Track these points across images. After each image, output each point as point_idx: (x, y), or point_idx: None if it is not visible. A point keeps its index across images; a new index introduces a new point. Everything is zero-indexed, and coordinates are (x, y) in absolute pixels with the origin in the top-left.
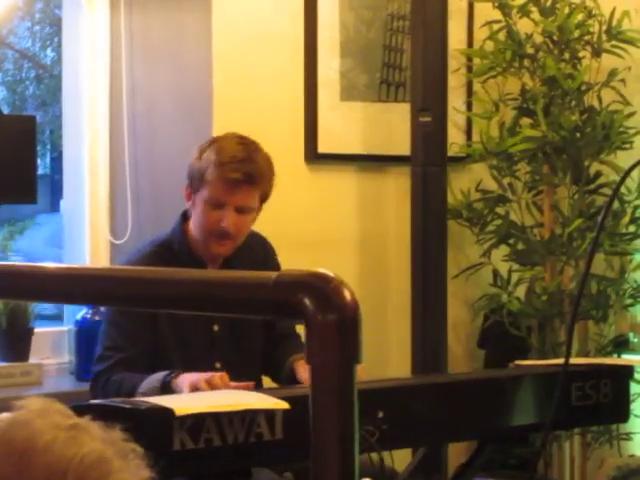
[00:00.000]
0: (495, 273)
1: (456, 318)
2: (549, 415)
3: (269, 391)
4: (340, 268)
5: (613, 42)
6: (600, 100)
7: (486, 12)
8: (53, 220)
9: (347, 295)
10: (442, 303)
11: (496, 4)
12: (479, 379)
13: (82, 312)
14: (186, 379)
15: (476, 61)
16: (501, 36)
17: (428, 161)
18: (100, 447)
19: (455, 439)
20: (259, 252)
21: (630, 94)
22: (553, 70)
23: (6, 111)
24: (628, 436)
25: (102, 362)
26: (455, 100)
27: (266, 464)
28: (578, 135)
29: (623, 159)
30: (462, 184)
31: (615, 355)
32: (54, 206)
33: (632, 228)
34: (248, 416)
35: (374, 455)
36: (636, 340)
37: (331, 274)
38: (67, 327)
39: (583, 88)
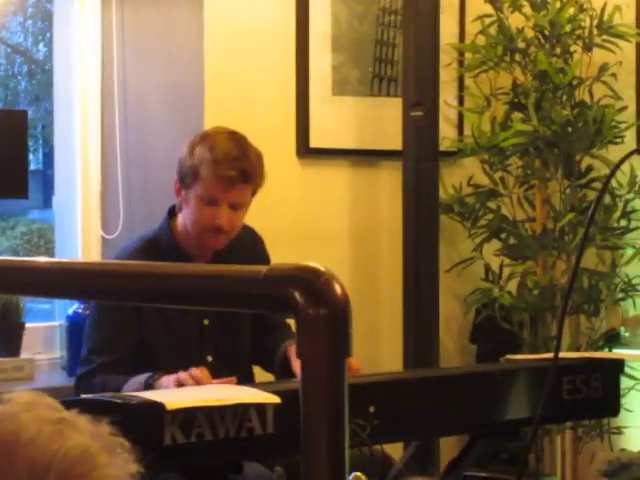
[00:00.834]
0: (487, 268)
1: (448, 312)
2: (539, 409)
3: (260, 385)
4: (332, 262)
5: (604, 37)
6: (591, 95)
7: (478, 6)
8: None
9: (338, 289)
10: (434, 297)
11: None
12: (471, 373)
13: (73, 307)
14: (167, 381)
15: (468, 55)
16: (492, 30)
17: (420, 156)
18: (86, 441)
19: (447, 433)
20: (248, 245)
21: (621, 89)
22: (544, 65)
23: None
24: (619, 430)
25: (84, 365)
26: (447, 95)
27: (257, 458)
28: (569, 129)
29: (614, 153)
30: (454, 179)
31: (606, 349)
32: (47, 202)
33: (623, 222)
34: (239, 410)
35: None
36: (627, 334)
37: (322, 268)
38: (59, 322)
39: (574, 83)
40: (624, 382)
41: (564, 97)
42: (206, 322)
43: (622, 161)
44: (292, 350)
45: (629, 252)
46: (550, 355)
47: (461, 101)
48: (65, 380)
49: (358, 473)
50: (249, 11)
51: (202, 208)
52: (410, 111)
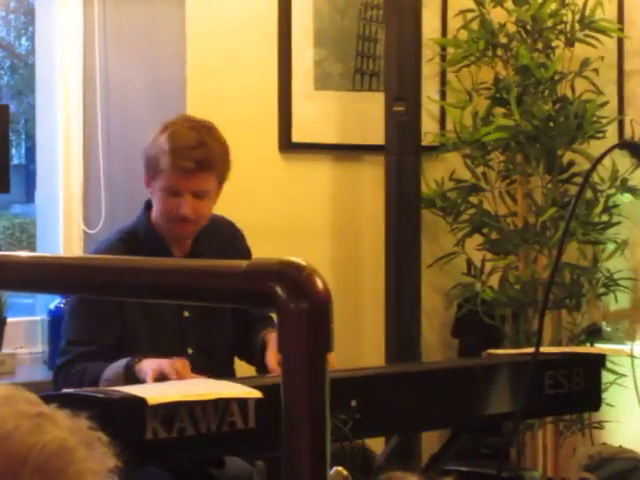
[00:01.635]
0: (469, 262)
1: (430, 307)
2: (520, 403)
3: (241, 380)
4: (314, 257)
5: (586, 32)
6: (573, 89)
7: (460, 1)
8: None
9: (319, 284)
10: (416, 292)
11: None
12: (453, 368)
13: (55, 302)
14: (149, 364)
15: (450, 50)
16: (475, 25)
17: (402, 150)
18: (64, 436)
19: (428, 428)
20: (227, 238)
21: (603, 84)
22: (526, 59)
23: None
24: (600, 425)
25: (62, 356)
26: (429, 89)
27: (239, 453)
28: (551, 124)
29: (596, 148)
30: (436, 173)
31: (588, 344)
32: (29, 196)
33: (605, 217)
34: (221, 405)
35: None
36: (609, 329)
37: (303, 263)
38: (40, 317)
39: (556, 77)
40: (605, 377)
41: (546, 92)
42: (187, 314)
43: (603, 156)
44: (269, 338)
45: (610, 247)
46: (532, 350)
47: (443, 96)
48: (47, 375)
49: (339, 468)
50: (231, 5)
51: (166, 199)
52: (392, 106)
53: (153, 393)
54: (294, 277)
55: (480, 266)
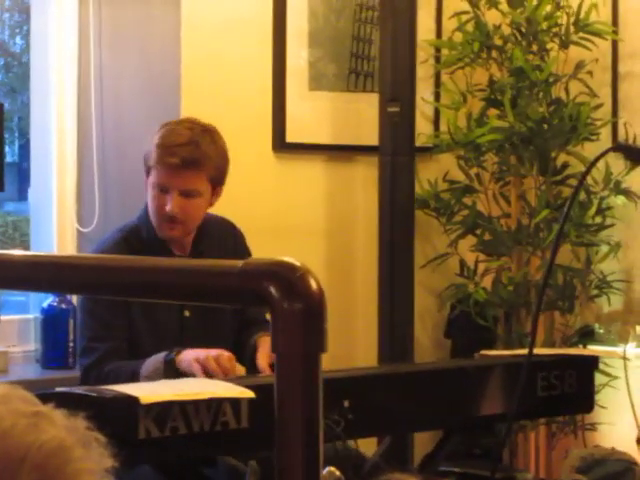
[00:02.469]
0: (462, 263)
1: (423, 308)
2: (513, 405)
3: (235, 380)
4: (307, 257)
5: (581, 34)
6: (567, 92)
7: (455, 3)
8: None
9: (313, 284)
10: (409, 293)
11: None
12: (445, 369)
13: (48, 300)
14: (190, 354)
15: (444, 52)
16: (469, 27)
17: (396, 151)
18: (61, 435)
19: (421, 429)
20: (229, 240)
21: (597, 86)
22: (521, 61)
23: None
24: (593, 426)
25: (88, 355)
26: (423, 91)
27: (232, 453)
28: (545, 126)
29: (590, 150)
30: (429, 174)
31: (580, 346)
32: (22, 194)
33: (598, 219)
34: (214, 404)
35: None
36: (602, 331)
37: (297, 263)
38: (33, 315)
39: (551, 80)
40: (598, 379)
41: (540, 94)
42: (187, 314)
43: (598, 158)
44: (261, 342)
45: (604, 249)
46: (524, 351)
47: (437, 97)
48: (39, 373)
49: (332, 468)
50: (226, 5)
51: (156, 196)
52: (386, 107)
53: (146, 392)
54: (288, 277)
55: (473, 267)
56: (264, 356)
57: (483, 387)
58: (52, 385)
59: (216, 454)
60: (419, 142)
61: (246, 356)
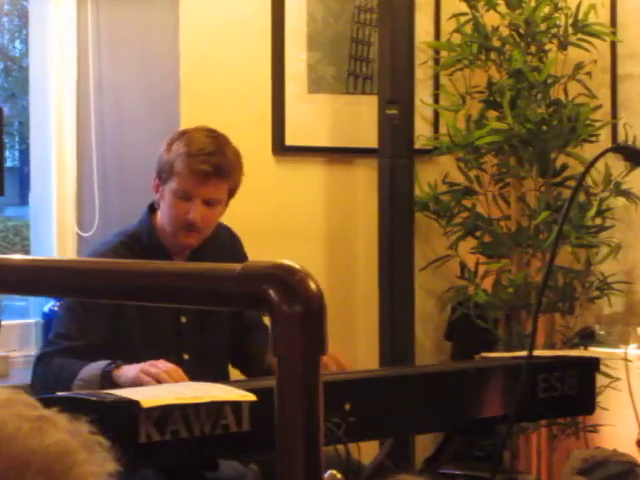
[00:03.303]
0: (462, 265)
1: (423, 310)
2: (513, 407)
3: (235, 383)
4: (307, 260)
5: (579, 35)
6: (566, 93)
7: (453, 5)
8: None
9: (312, 287)
10: (409, 295)
11: None
12: (446, 371)
13: (49, 305)
14: (130, 371)
15: (443, 54)
16: (468, 29)
17: (395, 153)
18: (65, 438)
19: (422, 431)
20: (227, 245)
21: (596, 87)
22: (519, 63)
23: None
24: (594, 428)
25: (47, 346)
26: (422, 93)
27: (233, 456)
28: (544, 128)
29: (589, 152)
30: (429, 176)
31: (581, 347)
32: (23, 199)
33: (598, 220)
34: (215, 408)
35: (341, 447)
36: (602, 332)
37: (296, 266)
38: (34, 320)
39: (549, 81)
40: (599, 380)
41: (539, 95)
42: (184, 319)
43: (597, 159)
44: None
45: (604, 250)
46: (525, 353)
47: (436, 99)
48: None
49: (334, 471)
50: (225, 8)
51: (176, 203)
52: (385, 109)
53: (147, 396)
54: (287, 280)
55: (473, 269)
56: None
57: (484, 389)
58: (53, 391)
59: (217, 457)
60: (418, 144)
61: (250, 360)
